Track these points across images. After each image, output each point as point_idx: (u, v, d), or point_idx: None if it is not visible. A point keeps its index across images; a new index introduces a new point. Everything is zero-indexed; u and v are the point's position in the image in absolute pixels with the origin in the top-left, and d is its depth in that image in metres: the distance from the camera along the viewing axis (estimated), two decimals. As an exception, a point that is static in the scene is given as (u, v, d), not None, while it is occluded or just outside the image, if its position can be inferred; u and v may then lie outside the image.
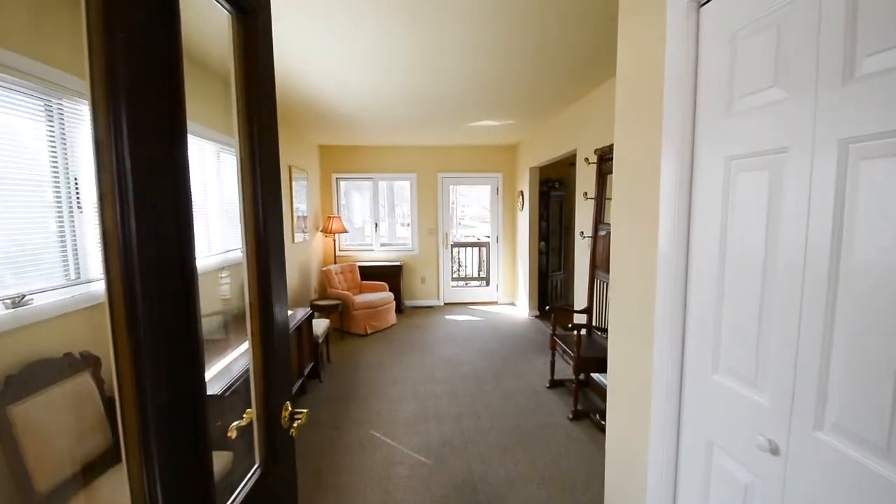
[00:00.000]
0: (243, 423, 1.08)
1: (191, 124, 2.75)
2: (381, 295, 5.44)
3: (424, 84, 3.45)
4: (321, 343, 3.83)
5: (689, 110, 1.24)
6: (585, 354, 2.98)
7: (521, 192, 6.17)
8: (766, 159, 1.01)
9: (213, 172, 3.16)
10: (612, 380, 1.73)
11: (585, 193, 3.47)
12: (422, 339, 4.95)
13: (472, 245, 8.43)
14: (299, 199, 5.33)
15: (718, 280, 1.15)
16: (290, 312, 3.35)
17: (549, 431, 2.85)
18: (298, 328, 3.22)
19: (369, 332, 5.14)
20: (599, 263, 3.36)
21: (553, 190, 6.17)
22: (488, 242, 7.28)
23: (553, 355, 3.54)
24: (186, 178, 0.71)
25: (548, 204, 6.14)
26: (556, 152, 4.65)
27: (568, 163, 6.38)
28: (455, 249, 7.76)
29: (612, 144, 3.17)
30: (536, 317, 5.93)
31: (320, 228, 6.21)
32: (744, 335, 1.08)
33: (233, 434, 1.06)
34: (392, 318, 5.55)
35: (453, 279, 7.27)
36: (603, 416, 2.88)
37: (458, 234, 8.77)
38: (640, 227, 1.49)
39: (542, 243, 6.14)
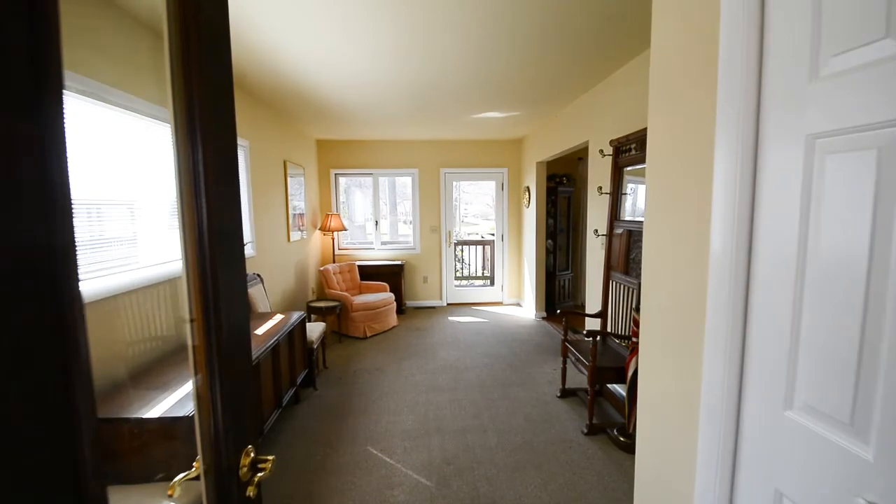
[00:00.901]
0: (192, 474, 0.85)
1: (131, 99, 2.39)
2: (381, 296, 5.21)
3: (425, 74, 3.21)
4: (316, 348, 3.61)
5: (752, 80, 0.99)
6: (601, 363, 2.73)
7: (528, 188, 5.92)
8: (872, 136, 0.76)
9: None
10: (644, 402, 1.48)
11: (600, 188, 3.22)
12: (423, 343, 4.72)
13: (476, 243, 8.19)
14: (297, 196, 5.10)
15: (796, 291, 0.91)
16: (280, 317, 3.12)
17: (562, 448, 2.61)
18: (290, 333, 2.99)
19: (369, 335, 4.91)
20: (615, 264, 3.11)
21: (561, 185, 5.92)
22: (493, 240, 7.04)
23: (564, 362, 3.30)
24: (62, 158, 0.47)
25: (555, 200, 5.89)
26: (566, 145, 4.40)
27: (576, 157, 6.14)
28: (458, 248, 7.54)
29: (630, 135, 2.92)
30: (544, 318, 5.69)
31: (318, 226, 5.99)
32: (835, 366, 0.83)
33: (175, 492, 0.83)
34: (393, 319, 5.33)
35: (456, 279, 7.04)
36: (621, 432, 2.64)
37: (462, 232, 8.56)
38: (684, 223, 1.24)
39: (549, 241, 5.90)
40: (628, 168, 3.06)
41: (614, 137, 3.12)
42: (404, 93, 3.77)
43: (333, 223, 5.82)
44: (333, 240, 6.01)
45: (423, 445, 2.66)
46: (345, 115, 4.61)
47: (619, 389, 2.97)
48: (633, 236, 2.90)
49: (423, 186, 6.35)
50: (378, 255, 6.39)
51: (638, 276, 2.79)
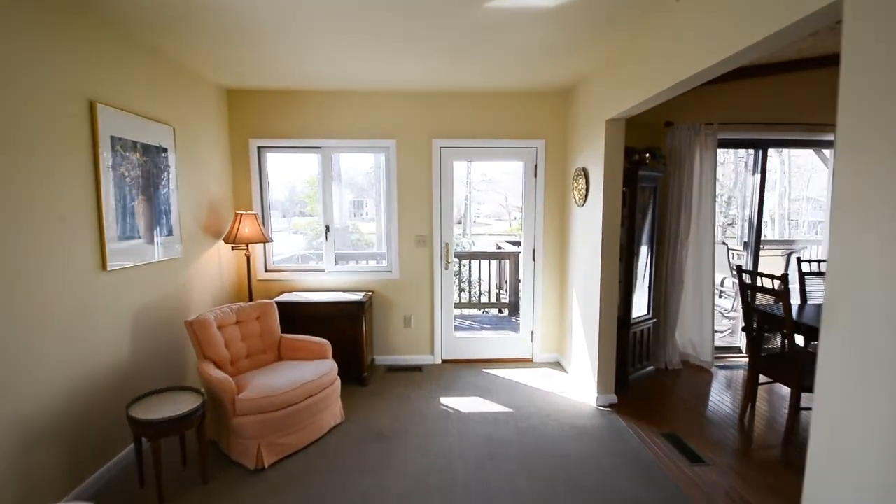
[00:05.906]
0: None
1: None
2: (307, 371, 2.70)
3: None
4: None
5: None
6: None
7: (583, 171, 3.38)
8: None
9: None
10: None
11: None
12: (377, 486, 2.21)
13: (491, 256, 5.70)
14: (162, 179, 2.67)
15: None
16: None
17: None
18: None
19: (267, 463, 2.42)
20: None
21: (641, 167, 3.35)
22: (516, 253, 4.55)
23: None
24: None
25: (632, 194, 3.34)
26: (706, 59, 1.85)
27: (662, 122, 3.60)
28: (462, 263, 5.12)
29: None
30: (612, 406, 3.14)
31: (223, 236, 3.55)
32: None
33: None
34: (331, 415, 2.82)
35: (457, 306, 4.56)
36: None
37: (466, 241, 6.11)
38: None
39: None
40: None
41: None
42: None
43: (247, 229, 3.38)
44: (249, 258, 3.54)
45: None
46: (263, 27, 2.13)
47: None
48: None
49: (403, 169, 3.85)
50: (330, 282, 3.91)
51: None
